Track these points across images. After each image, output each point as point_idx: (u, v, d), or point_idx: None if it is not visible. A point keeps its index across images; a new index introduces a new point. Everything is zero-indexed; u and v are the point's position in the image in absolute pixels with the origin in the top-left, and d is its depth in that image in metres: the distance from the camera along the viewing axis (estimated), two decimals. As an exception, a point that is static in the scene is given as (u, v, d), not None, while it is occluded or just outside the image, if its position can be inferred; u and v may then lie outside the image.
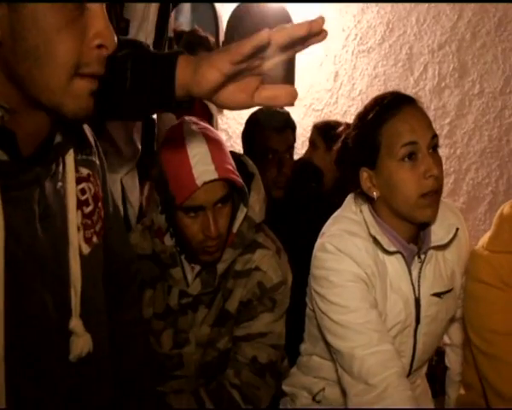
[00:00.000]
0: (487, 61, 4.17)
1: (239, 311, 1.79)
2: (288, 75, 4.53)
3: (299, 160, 2.89)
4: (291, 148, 2.63)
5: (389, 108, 1.58)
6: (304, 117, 4.37)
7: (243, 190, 1.73)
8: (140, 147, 2.32)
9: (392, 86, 4.45)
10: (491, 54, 4.17)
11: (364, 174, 1.62)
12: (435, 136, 1.58)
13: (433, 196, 1.56)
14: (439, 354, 2.26)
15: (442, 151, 4.16)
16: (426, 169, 1.54)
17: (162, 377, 1.83)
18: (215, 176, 1.60)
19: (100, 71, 1.02)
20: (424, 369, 1.80)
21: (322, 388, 1.73)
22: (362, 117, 1.64)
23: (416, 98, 1.63)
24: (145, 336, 1.54)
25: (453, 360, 1.90)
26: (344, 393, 1.59)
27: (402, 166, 1.55)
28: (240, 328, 1.78)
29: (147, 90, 1.18)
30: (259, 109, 2.79)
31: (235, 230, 1.77)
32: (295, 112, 4.42)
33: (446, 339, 1.93)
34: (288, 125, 2.65)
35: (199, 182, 1.60)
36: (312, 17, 1.01)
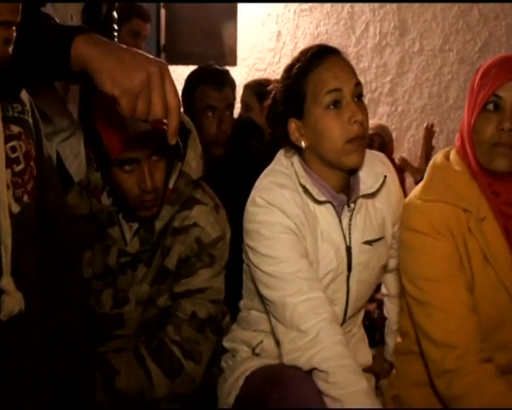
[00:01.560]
0: (427, 19, 4.22)
1: (178, 268, 1.78)
2: (230, 36, 4.49)
3: (239, 117, 2.88)
4: (230, 106, 2.63)
5: (314, 58, 1.61)
6: (247, 77, 4.35)
7: (178, 146, 1.72)
8: (76, 117, 2.27)
9: (334, 45, 4.47)
10: (431, 12, 4.22)
11: (292, 125, 1.64)
12: (359, 83, 1.61)
13: (359, 141, 1.59)
14: (380, 305, 2.32)
15: (383, 109, 4.26)
16: (350, 115, 1.57)
17: (102, 337, 1.82)
18: (148, 127, 1.58)
19: (12, 18, 0.99)
20: (360, 317, 1.83)
21: (260, 340, 1.75)
22: (288, 69, 1.67)
23: (341, 50, 1.66)
24: (83, 297, 1.53)
25: (390, 309, 1.95)
26: (278, 342, 1.62)
27: (327, 114, 1.58)
28: (179, 284, 1.78)
29: (44, 58, 1.21)
30: (199, 67, 2.77)
31: (171, 185, 1.76)
32: (238, 72, 4.40)
33: (384, 290, 1.98)
34: (228, 83, 2.64)
35: (132, 132, 1.58)
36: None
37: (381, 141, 3.61)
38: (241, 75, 4.38)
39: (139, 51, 1.23)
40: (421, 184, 1.63)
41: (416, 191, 1.63)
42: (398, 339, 1.75)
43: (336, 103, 1.58)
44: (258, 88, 3.11)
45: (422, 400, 1.62)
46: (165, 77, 1.18)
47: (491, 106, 1.53)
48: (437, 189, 1.58)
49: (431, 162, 1.67)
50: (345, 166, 1.62)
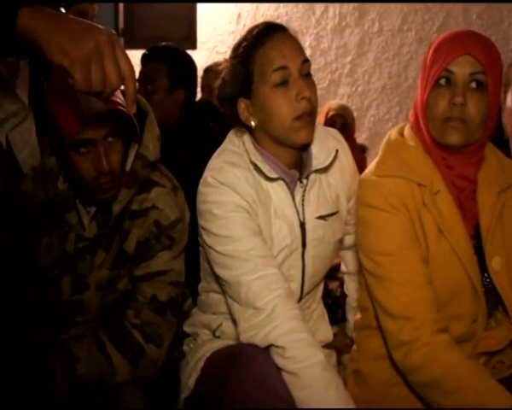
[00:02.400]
0: (386, -1, 4.24)
1: (137, 251, 1.77)
2: (189, 19, 4.45)
3: (199, 100, 2.87)
4: (149, 81, 2.65)
5: (260, 36, 1.60)
6: (207, 60, 4.32)
7: (134, 127, 1.70)
8: (27, 103, 2.23)
9: (294, 27, 4.46)
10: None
11: (242, 105, 1.64)
12: (306, 61, 1.61)
13: (307, 117, 1.59)
14: (342, 283, 2.34)
15: (344, 89, 4.28)
16: (298, 92, 1.57)
17: (63, 325, 1.80)
18: (103, 107, 1.56)
19: None
20: (318, 293, 1.84)
21: (220, 323, 1.74)
22: (235, 49, 1.66)
23: (288, 26, 1.65)
24: (40, 285, 1.51)
25: (351, 287, 1.96)
26: (235, 322, 1.62)
27: (275, 92, 1.58)
28: (139, 268, 1.77)
29: None
30: (155, 45, 2.77)
31: (128, 167, 1.75)
32: (199, 55, 4.37)
33: (344, 268, 1.99)
34: (155, 59, 2.69)
35: (87, 113, 1.56)
36: None
37: (344, 121, 3.63)
38: (201, 58, 4.35)
39: (87, 21, 1.20)
40: (375, 160, 1.64)
41: (370, 167, 1.64)
42: (358, 315, 1.77)
43: (283, 80, 1.57)
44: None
45: (382, 373, 1.64)
46: (116, 45, 1.17)
47: (443, 81, 1.55)
48: (391, 164, 1.60)
49: (385, 139, 1.68)
50: (294, 143, 1.62)
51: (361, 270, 1.66)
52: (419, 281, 1.53)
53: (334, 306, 2.41)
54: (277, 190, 1.66)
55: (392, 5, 4.22)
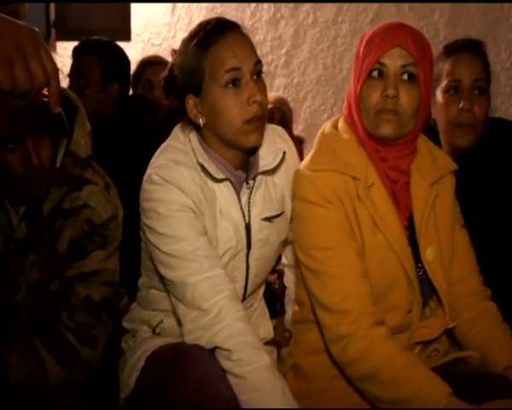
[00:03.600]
0: (320, -9, 4.27)
1: (70, 251, 1.73)
2: (123, 10, 4.37)
3: (134, 94, 2.83)
4: (79, 74, 2.59)
5: (213, 33, 1.56)
6: (142, 52, 4.25)
7: (64, 123, 1.66)
8: None
9: (229, 18, 4.44)
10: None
11: (190, 101, 1.60)
12: (259, 62, 1.59)
13: (258, 121, 1.57)
14: (280, 276, 2.34)
15: (280, 81, 4.29)
16: (249, 95, 1.55)
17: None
18: (29, 100, 1.51)
19: None
20: (261, 292, 1.84)
21: (160, 320, 1.72)
22: (186, 43, 1.61)
23: (240, 24, 1.62)
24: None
25: (290, 279, 1.96)
26: (180, 322, 1.60)
27: (226, 93, 1.55)
28: (72, 268, 1.73)
29: None
30: (87, 39, 2.71)
31: (58, 164, 1.70)
32: (134, 47, 4.30)
33: (284, 260, 1.99)
34: (86, 52, 2.63)
35: (13, 106, 1.51)
36: None
37: (282, 115, 3.63)
38: (136, 51, 4.28)
39: (7, 18, 1.15)
40: (310, 154, 1.64)
41: (305, 161, 1.63)
42: (296, 308, 1.76)
43: (235, 82, 1.54)
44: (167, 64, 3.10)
45: (320, 366, 1.64)
46: (38, 43, 1.13)
47: (375, 73, 1.56)
48: (325, 158, 1.59)
49: (320, 131, 1.68)
50: (243, 146, 1.60)
51: (298, 264, 1.66)
52: (355, 275, 1.54)
53: (273, 298, 2.41)
54: (223, 191, 1.63)
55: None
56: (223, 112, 1.56)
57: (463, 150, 1.97)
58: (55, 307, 1.74)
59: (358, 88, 1.57)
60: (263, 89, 1.59)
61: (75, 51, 2.68)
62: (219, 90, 1.55)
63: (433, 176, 1.64)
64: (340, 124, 1.65)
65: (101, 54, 2.62)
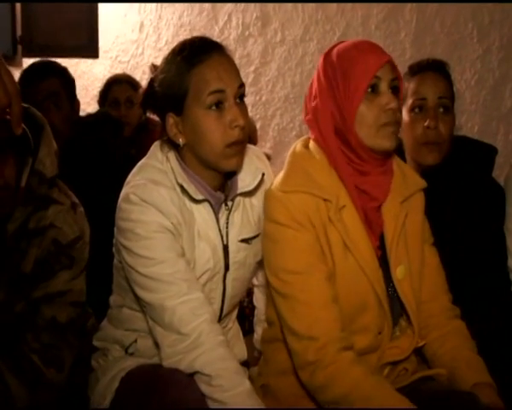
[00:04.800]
0: (288, 9, 4.30)
1: (35, 271, 1.69)
2: (90, 27, 4.34)
3: (98, 112, 2.81)
4: (53, 95, 2.55)
5: (197, 53, 1.54)
6: (110, 69, 4.24)
7: (29, 141, 1.64)
8: None
9: (197, 35, 4.45)
10: (291, 3, 4.30)
11: (170, 120, 1.58)
12: (242, 85, 1.58)
13: (239, 145, 1.57)
14: (250, 294, 2.33)
15: (248, 99, 4.24)
16: (232, 119, 1.54)
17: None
18: None
19: None
20: (235, 312, 1.83)
21: (134, 340, 1.69)
22: (169, 60, 1.59)
23: (225, 46, 1.61)
24: None
25: (260, 299, 1.95)
26: (157, 344, 1.58)
27: (208, 115, 1.54)
28: (37, 289, 1.69)
29: None
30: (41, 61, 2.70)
31: (23, 183, 1.67)
32: (101, 64, 4.28)
33: (254, 280, 1.98)
34: (52, 73, 2.59)
35: None
36: None
37: (246, 133, 3.64)
38: (104, 68, 4.26)
39: None
40: (281, 174, 1.62)
41: (277, 181, 1.61)
42: (266, 326, 1.75)
43: (218, 104, 1.53)
44: (134, 82, 3.17)
45: (290, 386, 1.63)
46: (0, 64, 1.11)
47: (369, 89, 1.54)
48: (297, 179, 1.58)
49: (291, 150, 1.66)
50: (223, 169, 1.59)
51: (268, 285, 1.65)
52: (323, 300, 1.52)
53: (242, 317, 2.39)
54: (202, 212, 1.62)
55: (295, 15, 4.29)
56: (204, 134, 1.54)
57: (429, 168, 2.00)
58: (20, 328, 1.70)
59: (355, 105, 1.53)
60: (245, 112, 1.58)
61: (36, 73, 2.63)
62: (202, 112, 1.54)
63: (403, 195, 1.64)
64: (311, 144, 1.63)
65: (61, 74, 2.62)
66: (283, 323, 1.57)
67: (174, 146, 1.62)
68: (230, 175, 1.66)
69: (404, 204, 1.64)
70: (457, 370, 1.60)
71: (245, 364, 1.86)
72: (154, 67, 1.65)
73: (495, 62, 4.39)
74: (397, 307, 1.64)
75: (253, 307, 2.04)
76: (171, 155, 1.62)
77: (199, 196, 1.59)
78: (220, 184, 1.65)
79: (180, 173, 1.59)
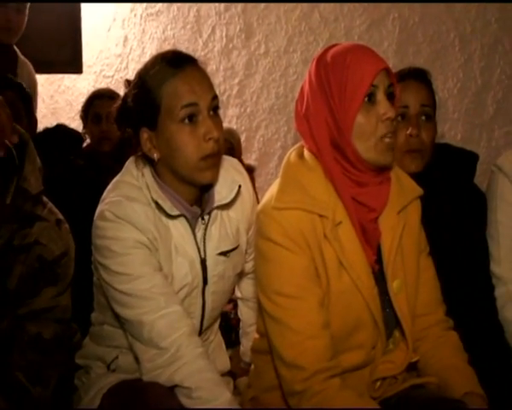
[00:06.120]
0: (271, 22, 4.33)
1: (20, 288, 1.69)
2: (74, 42, 4.34)
3: (57, 125, 2.82)
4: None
5: (169, 67, 1.54)
6: (94, 84, 4.23)
7: (13, 159, 1.63)
8: None
9: (181, 49, 4.45)
10: (275, 15, 4.32)
11: (144, 135, 1.58)
12: (215, 97, 1.58)
13: (214, 158, 1.56)
14: (236, 305, 2.33)
15: (233, 111, 4.31)
16: (205, 132, 1.53)
17: None
18: None
19: None
20: (217, 324, 1.82)
21: (115, 356, 1.69)
22: (142, 74, 1.59)
23: (198, 58, 1.61)
24: None
25: (245, 312, 1.95)
26: (137, 360, 1.57)
27: (182, 129, 1.53)
28: (23, 306, 1.68)
29: None
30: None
31: (8, 201, 1.67)
32: (86, 79, 4.27)
33: (238, 293, 1.97)
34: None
35: None
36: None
37: (230, 145, 3.62)
38: (88, 82, 4.25)
39: None
40: (276, 189, 1.54)
41: (271, 196, 1.53)
42: (257, 336, 1.70)
43: (192, 117, 1.53)
44: (116, 97, 3.11)
45: (280, 402, 1.59)
46: None
47: (365, 98, 1.48)
48: (292, 195, 1.51)
49: (285, 161, 1.59)
50: (198, 182, 1.59)
51: (258, 301, 1.60)
52: (314, 328, 1.47)
53: (228, 328, 2.39)
54: (178, 227, 1.61)
55: (278, 27, 4.31)
56: (178, 148, 1.54)
57: (412, 176, 2.00)
58: (4, 345, 1.69)
59: (352, 114, 1.47)
60: (219, 125, 1.57)
61: None
62: (175, 126, 1.53)
63: (400, 204, 1.59)
64: (306, 154, 1.56)
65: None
66: (272, 346, 1.53)
67: (149, 161, 1.62)
68: (207, 188, 1.65)
69: (401, 214, 1.60)
70: (449, 378, 1.58)
71: (230, 374, 1.87)
72: (127, 83, 1.65)
73: (477, 71, 4.43)
74: (392, 321, 1.60)
75: (239, 319, 2.03)
76: (147, 171, 1.62)
77: (174, 212, 1.59)
78: (196, 198, 1.64)
79: (155, 189, 1.59)
